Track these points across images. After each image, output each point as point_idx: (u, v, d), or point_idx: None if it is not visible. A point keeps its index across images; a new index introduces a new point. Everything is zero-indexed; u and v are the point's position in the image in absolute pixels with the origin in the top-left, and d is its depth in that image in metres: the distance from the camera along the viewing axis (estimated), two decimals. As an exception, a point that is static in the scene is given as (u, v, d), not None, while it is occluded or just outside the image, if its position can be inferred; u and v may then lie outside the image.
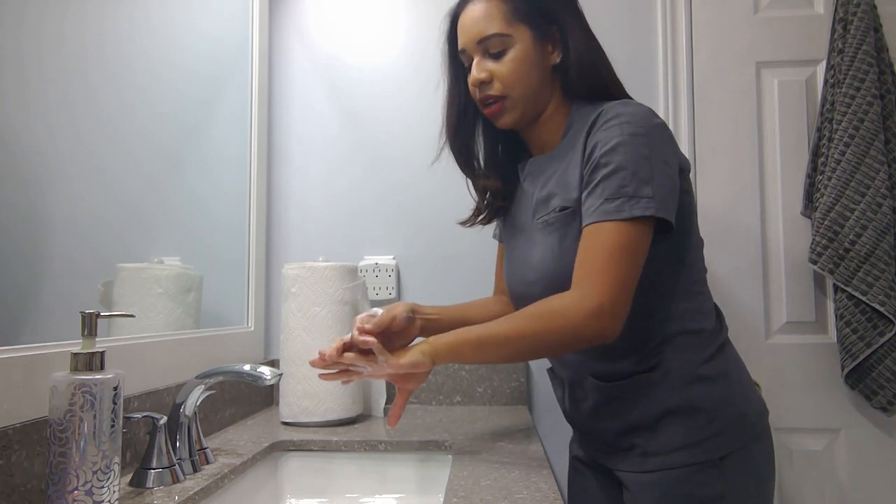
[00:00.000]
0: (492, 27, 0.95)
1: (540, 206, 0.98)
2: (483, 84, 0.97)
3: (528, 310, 0.87)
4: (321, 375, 0.95)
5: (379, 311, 1.00)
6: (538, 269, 0.96)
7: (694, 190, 1.37)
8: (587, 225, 0.86)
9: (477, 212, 1.12)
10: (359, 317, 0.96)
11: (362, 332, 0.92)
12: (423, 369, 0.89)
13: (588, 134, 0.91)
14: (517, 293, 1.03)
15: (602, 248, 0.84)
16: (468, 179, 1.11)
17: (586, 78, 0.97)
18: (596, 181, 0.87)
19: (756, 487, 0.92)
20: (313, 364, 0.92)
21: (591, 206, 0.86)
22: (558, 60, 0.98)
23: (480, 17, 0.96)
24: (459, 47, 1.00)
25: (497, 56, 0.96)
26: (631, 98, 0.98)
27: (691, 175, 1.01)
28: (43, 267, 0.80)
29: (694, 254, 0.97)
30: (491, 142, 1.10)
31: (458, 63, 1.05)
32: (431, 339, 0.90)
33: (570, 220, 0.92)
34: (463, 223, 1.14)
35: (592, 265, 0.84)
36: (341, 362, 0.91)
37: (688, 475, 0.89)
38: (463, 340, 0.88)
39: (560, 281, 0.89)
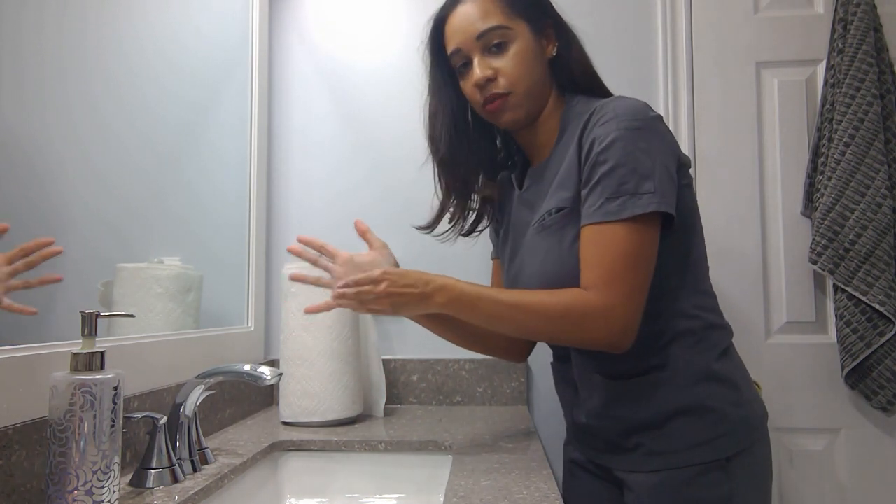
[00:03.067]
0: (491, 20, 0.93)
1: (539, 213, 0.98)
2: (489, 82, 0.94)
3: (546, 304, 0.85)
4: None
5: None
6: (539, 275, 0.95)
7: (694, 189, 1.37)
8: (590, 224, 0.85)
9: (454, 220, 1.11)
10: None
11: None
12: (415, 289, 0.87)
13: (582, 132, 0.90)
14: None
15: (615, 254, 0.82)
16: (450, 191, 1.09)
17: (581, 67, 0.98)
18: (595, 179, 0.86)
19: (758, 489, 0.92)
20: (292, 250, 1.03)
21: (592, 204, 0.85)
22: (554, 54, 0.98)
23: (476, 13, 0.95)
24: (453, 48, 0.98)
25: (499, 50, 0.94)
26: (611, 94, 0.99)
27: (692, 175, 1.01)
28: (43, 267, 0.80)
29: (699, 250, 0.97)
30: (485, 149, 1.09)
31: (444, 69, 1.03)
32: (449, 278, 0.88)
33: (566, 220, 0.91)
34: (436, 235, 1.11)
35: (610, 273, 0.82)
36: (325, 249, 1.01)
37: (694, 476, 0.89)
38: (475, 303, 0.87)
39: (562, 285, 0.88)
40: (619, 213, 0.83)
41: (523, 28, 0.95)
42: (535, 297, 0.86)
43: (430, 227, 1.12)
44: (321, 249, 1.04)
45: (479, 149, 1.08)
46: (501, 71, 0.94)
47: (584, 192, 0.88)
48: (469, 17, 0.95)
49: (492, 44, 0.94)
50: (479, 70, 0.95)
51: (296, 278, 1.03)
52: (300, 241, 1.03)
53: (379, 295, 0.87)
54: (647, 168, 0.83)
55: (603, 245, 0.83)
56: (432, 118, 1.06)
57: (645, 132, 0.86)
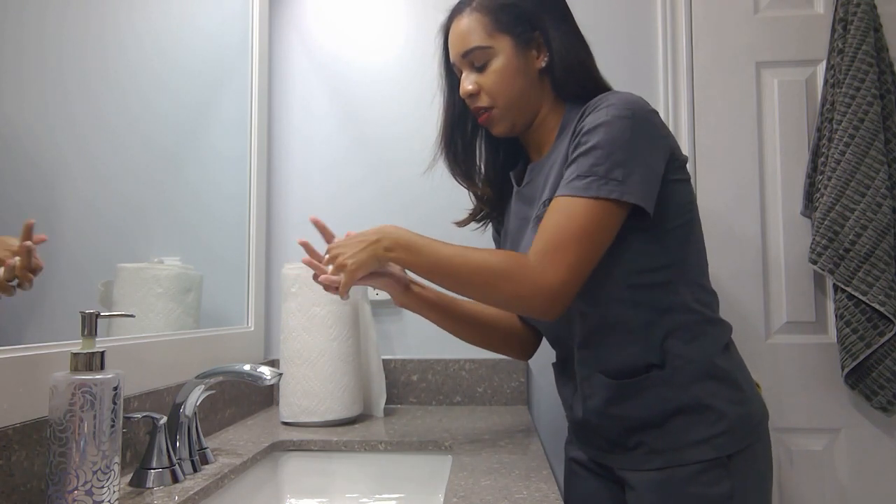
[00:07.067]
0: (473, 40, 0.98)
1: (536, 207, 0.99)
2: (472, 96, 1.00)
3: (486, 259, 0.88)
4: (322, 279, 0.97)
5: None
6: None
7: (693, 188, 1.36)
8: (557, 196, 0.88)
9: (473, 214, 1.16)
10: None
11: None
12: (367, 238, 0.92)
13: (577, 123, 0.93)
14: None
15: (567, 226, 0.85)
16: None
17: (573, 77, 0.99)
18: (573, 157, 0.89)
19: (759, 487, 0.92)
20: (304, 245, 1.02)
21: (565, 179, 0.89)
22: (545, 64, 1.00)
23: (464, 31, 0.99)
24: (451, 60, 1.04)
25: (481, 68, 0.99)
26: None
27: (691, 175, 1.01)
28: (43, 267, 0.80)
29: (696, 245, 0.98)
30: (491, 150, 1.13)
31: (453, 76, 1.08)
32: (399, 231, 0.93)
33: None
34: (459, 223, 1.17)
35: (555, 240, 0.85)
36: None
37: (695, 474, 0.89)
38: (420, 249, 0.90)
39: None
40: (583, 190, 0.85)
41: (506, 44, 0.98)
42: (477, 252, 0.90)
43: (465, 222, 1.17)
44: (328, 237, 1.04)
45: (485, 148, 1.13)
46: (483, 87, 0.99)
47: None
48: (458, 35, 1.00)
49: (475, 62, 0.99)
50: (462, 85, 1.01)
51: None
52: (313, 221, 1.03)
53: (342, 246, 0.93)
54: (621, 157, 0.85)
55: (560, 215, 0.86)
56: (442, 119, 1.11)
57: (633, 123, 0.87)
